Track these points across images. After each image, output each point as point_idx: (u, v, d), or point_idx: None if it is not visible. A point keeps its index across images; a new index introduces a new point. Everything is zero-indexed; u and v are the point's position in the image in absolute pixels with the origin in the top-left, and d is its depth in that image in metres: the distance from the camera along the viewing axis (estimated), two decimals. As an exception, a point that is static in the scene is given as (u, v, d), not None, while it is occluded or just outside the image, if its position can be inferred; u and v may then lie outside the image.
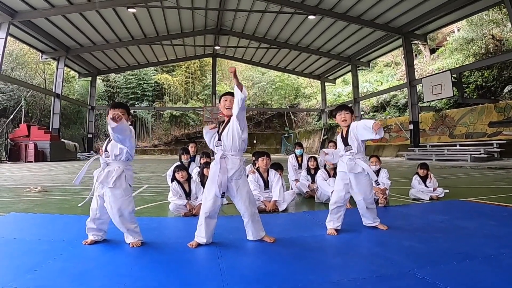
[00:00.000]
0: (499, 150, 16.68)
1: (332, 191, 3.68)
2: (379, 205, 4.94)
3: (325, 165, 5.71)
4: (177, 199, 4.45)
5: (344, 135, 3.58)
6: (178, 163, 4.97)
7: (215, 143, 3.19)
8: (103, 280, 2.29)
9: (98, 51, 26.22)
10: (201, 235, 3.06)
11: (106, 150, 3.08)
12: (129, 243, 3.05)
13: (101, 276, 2.37)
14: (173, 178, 4.61)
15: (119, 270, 2.49)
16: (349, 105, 3.99)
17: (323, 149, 3.81)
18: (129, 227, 3.05)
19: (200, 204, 4.32)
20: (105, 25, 22.06)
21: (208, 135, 3.29)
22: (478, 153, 16.76)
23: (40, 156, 20.81)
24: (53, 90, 24.99)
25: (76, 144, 26.28)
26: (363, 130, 3.42)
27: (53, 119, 24.63)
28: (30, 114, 31.45)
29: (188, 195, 4.53)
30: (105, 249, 2.98)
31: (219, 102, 3.28)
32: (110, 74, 37.37)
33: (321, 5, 20.17)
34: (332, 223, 3.51)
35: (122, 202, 3.03)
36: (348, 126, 3.58)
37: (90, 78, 30.73)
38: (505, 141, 16.75)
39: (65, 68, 25.78)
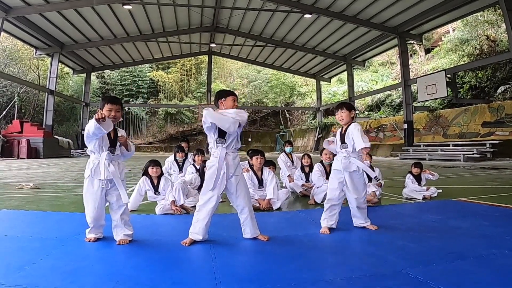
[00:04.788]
0: (491, 150, 16.79)
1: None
2: (368, 203, 4.97)
3: (321, 161, 5.71)
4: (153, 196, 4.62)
5: (343, 132, 3.57)
6: (155, 159, 4.98)
7: (216, 140, 3.13)
8: (95, 278, 2.27)
9: (93, 48, 26.05)
10: (197, 232, 3.05)
11: (113, 147, 3.07)
12: (117, 241, 3.04)
13: (92, 274, 2.35)
14: (145, 173, 4.65)
15: (111, 268, 2.47)
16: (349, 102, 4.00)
17: (327, 138, 3.77)
18: (126, 219, 3.10)
19: (173, 200, 4.37)
20: (100, 21, 21.91)
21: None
22: (471, 153, 16.88)
23: (33, 153, 20.64)
24: (47, 86, 24.78)
25: (70, 140, 26.10)
26: (353, 141, 3.46)
27: (47, 116, 24.44)
28: (23, 110, 31.20)
29: (156, 189, 4.61)
30: (97, 247, 2.96)
31: (223, 98, 3.18)
32: (104, 71, 37.17)
33: (318, 4, 20.19)
34: (326, 221, 3.50)
35: (126, 194, 3.09)
36: (348, 125, 3.55)
37: (84, 75, 30.54)
38: (497, 142, 16.86)
39: (59, 64, 25.58)
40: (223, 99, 3.18)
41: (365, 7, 19.47)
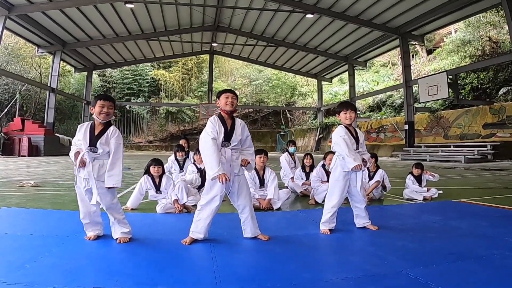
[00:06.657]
0: (492, 151, 16.76)
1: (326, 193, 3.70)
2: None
3: (323, 164, 5.71)
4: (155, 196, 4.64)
5: (354, 135, 3.60)
6: (157, 158, 4.99)
7: (220, 143, 3.11)
8: (95, 276, 2.28)
9: (95, 46, 25.99)
10: (199, 231, 3.05)
11: (93, 146, 3.00)
12: (116, 239, 3.04)
13: (93, 272, 2.35)
14: (146, 172, 4.67)
15: (112, 266, 2.48)
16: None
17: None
18: (119, 218, 3.07)
19: (176, 200, 4.39)
20: (102, 20, 21.88)
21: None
22: (472, 154, 16.84)
23: (33, 151, 20.67)
24: (49, 84, 24.76)
25: (71, 138, 26.00)
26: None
27: (48, 114, 24.39)
28: (24, 108, 31.28)
29: (158, 188, 4.62)
30: (98, 245, 2.97)
31: (218, 98, 3.25)
32: (106, 69, 37.11)
33: (319, 4, 20.14)
34: (328, 223, 3.50)
35: (112, 193, 3.06)
36: (354, 128, 3.66)
37: (86, 73, 30.47)
38: (498, 143, 16.84)
39: (61, 62, 25.53)
40: (218, 99, 3.26)
41: (367, 7, 19.42)
